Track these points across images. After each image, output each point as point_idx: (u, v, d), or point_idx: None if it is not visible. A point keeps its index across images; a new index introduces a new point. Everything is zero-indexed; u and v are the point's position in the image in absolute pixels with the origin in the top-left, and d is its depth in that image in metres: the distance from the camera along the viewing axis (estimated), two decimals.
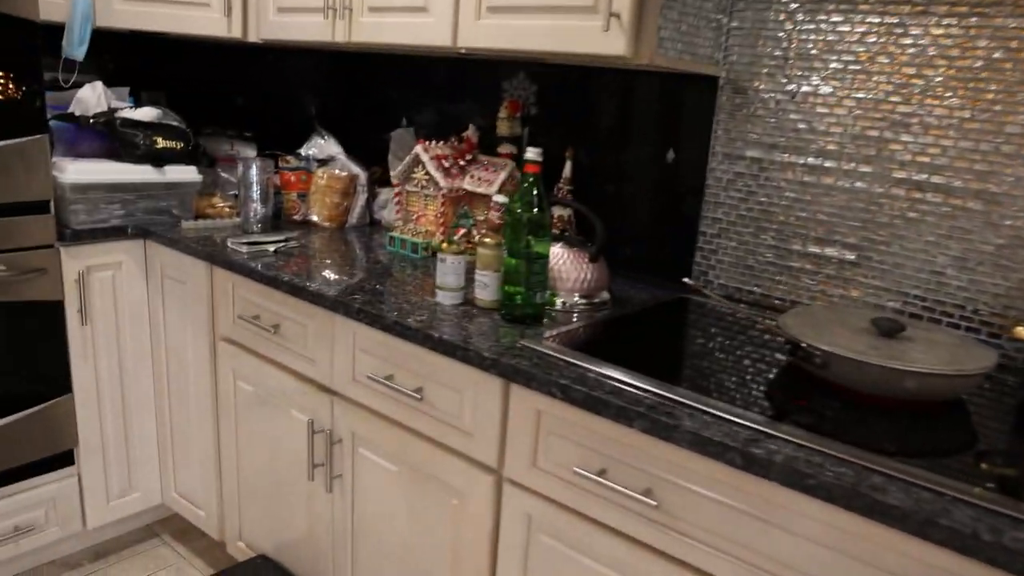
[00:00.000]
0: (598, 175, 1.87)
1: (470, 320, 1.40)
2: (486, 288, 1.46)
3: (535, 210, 1.36)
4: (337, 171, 2.11)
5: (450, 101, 2.16)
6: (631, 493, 1.10)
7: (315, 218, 2.13)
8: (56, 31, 1.90)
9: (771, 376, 1.24)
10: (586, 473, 1.15)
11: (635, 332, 1.45)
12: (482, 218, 1.87)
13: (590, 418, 1.14)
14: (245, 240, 1.79)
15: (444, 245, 1.48)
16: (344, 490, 1.59)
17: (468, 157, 1.90)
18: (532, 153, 1.36)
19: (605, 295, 1.56)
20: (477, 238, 1.78)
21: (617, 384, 1.15)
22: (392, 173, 2.09)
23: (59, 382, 1.92)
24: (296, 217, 2.14)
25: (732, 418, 1.05)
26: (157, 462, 2.15)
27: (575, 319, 1.46)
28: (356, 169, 2.13)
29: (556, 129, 1.94)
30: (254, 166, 1.95)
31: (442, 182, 1.81)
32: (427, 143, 1.87)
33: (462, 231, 1.85)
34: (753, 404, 1.11)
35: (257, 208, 1.97)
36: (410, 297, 1.51)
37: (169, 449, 2.11)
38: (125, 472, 2.10)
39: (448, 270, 1.46)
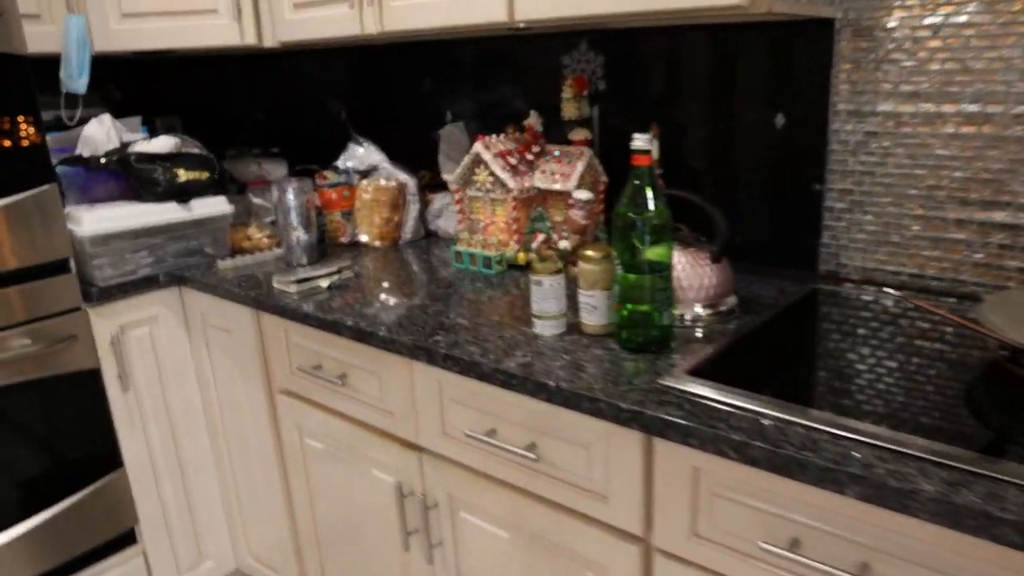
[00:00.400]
0: (691, 153, 1.59)
1: (583, 353, 1.14)
2: (595, 311, 1.20)
3: (652, 211, 1.09)
4: (383, 181, 1.85)
5: (499, 86, 1.89)
6: (839, 573, 0.84)
7: (364, 238, 1.88)
8: (51, 64, 1.66)
9: (982, 391, 0.97)
10: (774, 548, 0.89)
11: (783, 346, 1.18)
12: (560, 218, 1.61)
13: (776, 480, 0.89)
14: (292, 277, 1.55)
15: (536, 264, 1.22)
16: (447, 561, 1.36)
17: (535, 149, 1.63)
18: (640, 141, 1.10)
19: (732, 300, 1.29)
20: (562, 244, 1.52)
21: (804, 431, 0.89)
22: (446, 176, 1.83)
23: (108, 457, 1.71)
24: (343, 240, 1.89)
25: (984, 472, 0.78)
26: (226, 527, 1.94)
27: (702, 334, 1.20)
28: (404, 176, 1.88)
29: (632, 105, 1.66)
30: (290, 189, 1.71)
31: (511, 183, 1.55)
32: (487, 139, 1.60)
33: (540, 237, 1.58)
34: (979, 438, 0.84)
35: (300, 236, 1.72)
36: (500, 329, 1.26)
37: (237, 512, 1.89)
38: (193, 542, 1.89)
39: (546, 294, 1.21)
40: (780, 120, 1.46)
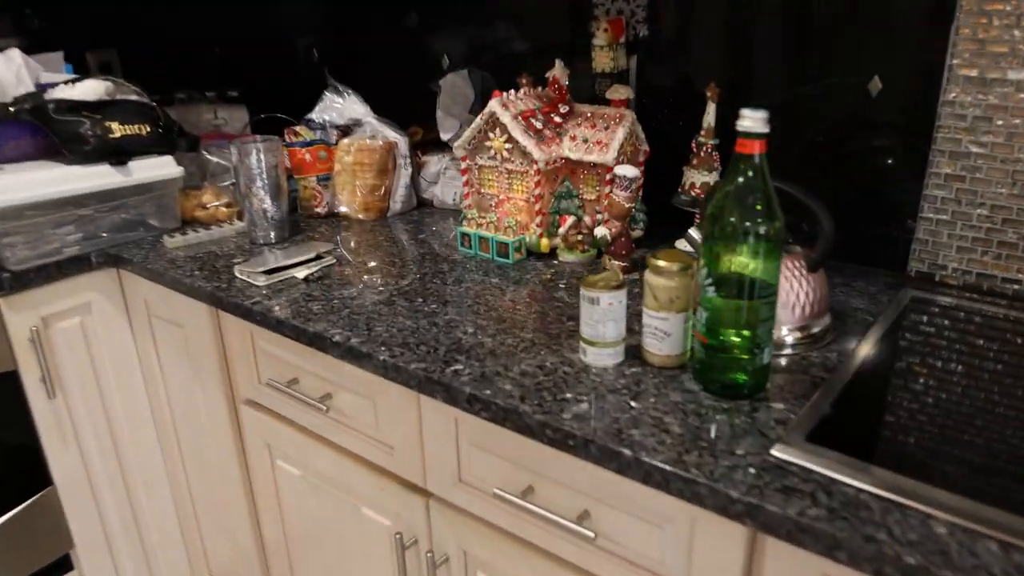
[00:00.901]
0: None
1: (656, 399, 0.87)
2: (665, 339, 0.92)
3: (767, 217, 0.81)
4: (368, 141, 1.53)
5: (508, 26, 1.56)
6: None
7: (345, 209, 1.56)
8: None
9: None
10: None
11: (911, 389, 0.92)
12: (591, 195, 1.31)
13: None
14: (260, 267, 1.24)
15: (590, 277, 0.93)
16: None
17: (563, 109, 1.32)
18: (751, 120, 0.80)
19: (826, 320, 1.02)
20: (598, 231, 1.22)
21: (1002, 550, 0.63)
22: (444, 135, 1.51)
23: (33, 476, 1.40)
24: (319, 210, 1.57)
25: None
26: (183, 544, 1.66)
27: (796, 367, 0.93)
28: (393, 134, 1.55)
29: (682, 58, 1.35)
30: (255, 150, 1.37)
31: (536, 153, 1.24)
32: (505, 95, 1.28)
33: (569, 220, 1.29)
34: None
35: (267, 208, 1.40)
36: (536, 352, 0.98)
37: (196, 528, 1.61)
38: (143, 562, 1.61)
39: (604, 316, 0.92)
40: (876, 86, 1.17)
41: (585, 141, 1.28)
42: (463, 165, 1.36)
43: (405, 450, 1.06)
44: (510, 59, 1.57)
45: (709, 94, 1.27)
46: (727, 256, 0.82)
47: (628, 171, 1.19)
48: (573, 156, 1.28)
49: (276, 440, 1.29)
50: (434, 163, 1.60)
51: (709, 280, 0.85)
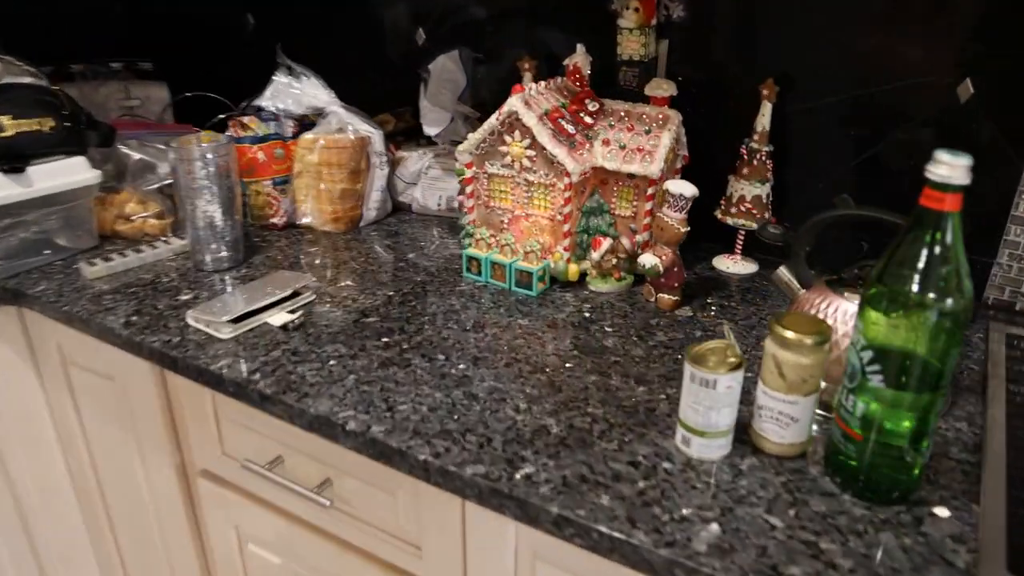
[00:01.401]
0: (813, 127, 1.11)
1: (792, 506, 0.68)
2: (791, 426, 0.73)
3: (960, 296, 0.62)
4: (335, 135, 1.25)
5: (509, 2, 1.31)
6: None
7: (309, 219, 1.28)
8: None
9: None
10: None
11: None
12: (626, 212, 1.10)
13: None
14: (223, 314, 0.96)
15: (703, 352, 0.72)
16: None
17: (591, 107, 1.09)
18: (948, 168, 0.61)
19: None
20: (647, 261, 1.01)
21: None
22: (428, 128, 1.25)
23: None
24: (276, 221, 1.28)
25: None
26: None
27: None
28: (365, 127, 1.28)
29: (723, 46, 1.15)
30: (198, 151, 1.08)
31: (570, 164, 1.01)
32: (528, 90, 1.04)
33: (604, 243, 1.07)
34: None
35: (217, 223, 1.11)
36: (621, 441, 0.77)
37: None
38: None
39: (720, 401, 0.72)
40: (967, 90, 1.00)
41: (622, 147, 1.06)
42: (468, 173, 1.11)
43: (440, 555, 0.84)
44: (508, 40, 1.32)
45: (765, 92, 1.08)
46: (902, 335, 0.63)
47: (684, 188, 0.98)
48: (609, 166, 1.06)
49: (248, 523, 1.03)
50: (413, 160, 1.34)
51: (873, 365, 0.65)
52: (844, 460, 0.70)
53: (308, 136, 1.24)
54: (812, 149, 1.12)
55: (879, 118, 1.06)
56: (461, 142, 1.18)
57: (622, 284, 1.09)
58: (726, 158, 1.16)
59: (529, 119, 1.01)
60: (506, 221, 1.11)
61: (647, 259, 1.01)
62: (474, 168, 1.10)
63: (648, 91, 1.08)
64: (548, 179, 1.04)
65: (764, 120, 1.08)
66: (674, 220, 1.00)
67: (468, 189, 1.12)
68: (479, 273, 1.11)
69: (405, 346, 0.93)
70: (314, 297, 1.05)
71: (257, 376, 0.87)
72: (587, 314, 1.02)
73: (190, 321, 0.97)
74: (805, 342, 0.70)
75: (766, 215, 1.12)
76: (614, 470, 0.72)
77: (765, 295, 1.10)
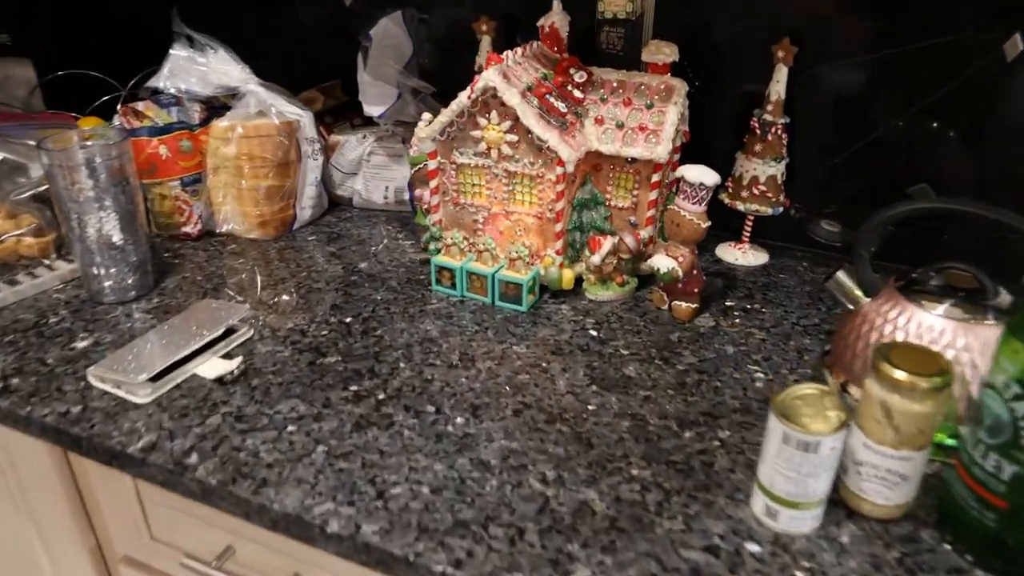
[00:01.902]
0: (831, 91, 0.96)
1: None
2: (900, 485, 0.58)
3: None
4: (256, 120, 1.01)
5: None
6: None
7: (231, 226, 1.05)
8: None
9: None
10: None
11: None
12: (624, 203, 0.92)
13: None
14: (139, 370, 0.74)
15: (792, 405, 0.57)
16: None
17: (579, 77, 0.90)
18: None
19: None
20: (661, 264, 0.84)
21: None
22: (369, 108, 1.04)
23: None
24: (189, 230, 1.04)
25: None
26: None
27: None
28: (292, 109, 1.05)
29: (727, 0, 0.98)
30: (84, 155, 0.83)
31: (564, 151, 0.82)
32: (507, 59, 0.84)
33: (606, 242, 0.89)
34: None
35: (116, 241, 0.87)
36: (686, 517, 0.60)
37: None
38: None
39: (821, 465, 0.56)
40: (1015, 46, 0.87)
41: (620, 126, 0.88)
42: (432, 164, 0.90)
43: None
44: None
45: (780, 54, 0.91)
46: None
47: (705, 176, 0.81)
48: (606, 150, 0.88)
49: None
50: (351, 146, 1.12)
51: (998, 407, 0.51)
52: (976, 527, 0.56)
53: (221, 123, 1.00)
54: (825, 118, 0.97)
55: (909, 81, 0.92)
56: (410, 123, 0.98)
57: (626, 290, 0.92)
58: (730, 133, 0.99)
59: (510, 96, 0.81)
60: (481, 221, 0.92)
61: (662, 262, 0.84)
62: (439, 158, 0.90)
63: (646, 56, 0.90)
64: (534, 169, 0.85)
65: (779, 87, 0.92)
66: (692, 214, 0.83)
67: (432, 184, 0.91)
68: (452, 286, 0.91)
69: (381, 395, 0.74)
70: (252, 333, 0.83)
71: (194, 458, 0.65)
72: (593, 332, 0.85)
73: (94, 381, 0.74)
74: (922, 385, 0.55)
75: (781, 197, 0.97)
76: (690, 562, 0.56)
77: (788, 292, 0.95)
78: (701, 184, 0.81)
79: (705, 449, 0.67)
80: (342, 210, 1.16)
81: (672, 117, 0.87)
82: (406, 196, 1.12)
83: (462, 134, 0.87)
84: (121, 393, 0.73)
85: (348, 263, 1.00)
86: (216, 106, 1.06)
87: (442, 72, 1.15)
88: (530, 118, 0.81)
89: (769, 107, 0.93)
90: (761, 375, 0.78)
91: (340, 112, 1.20)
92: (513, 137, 0.84)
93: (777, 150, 0.94)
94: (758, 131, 0.94)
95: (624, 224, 0.93)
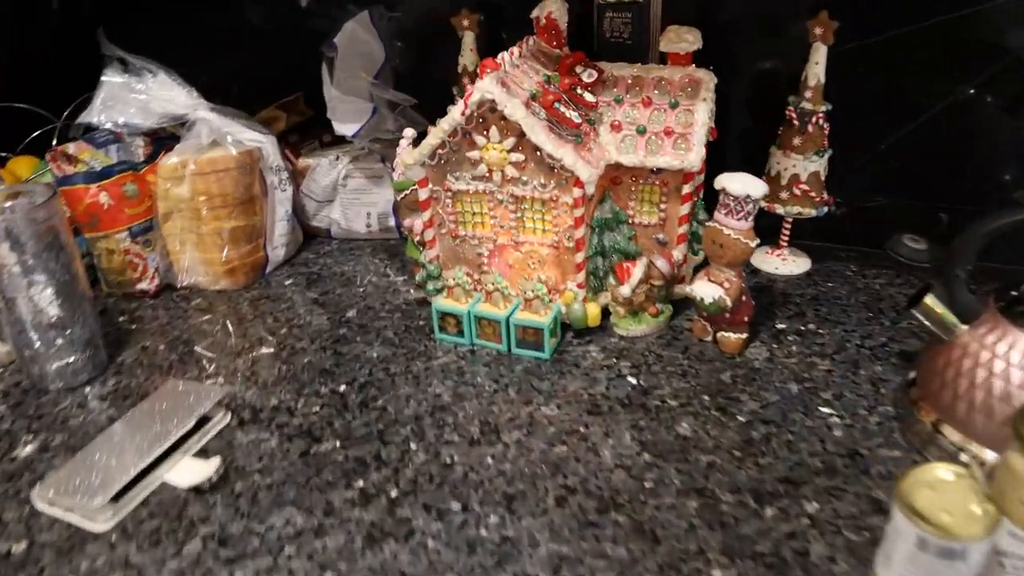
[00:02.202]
0: (870, 70, 0.83)
1: None
2: None
3: None
4: (210, 153, 0.87)
5: None
6: None
7: (194, 279, 0.91)
8: None
9: None
10: None
11: None
12: (648, 219, 0.79)
13: None
14: (92, 489, 0.60)
15: (926, 497, 0.44)
16: None
17: (587, 76, 0.76)
18: None
19: None
20: (705, 294, 0.72)
21: None
22: (340, 126, 0.90)
23: None
24: (145, 286, 0.90)
25: None
26: None
27: None
28: (251, 135, 0.90)
29: None
30: (4, 219, 0.69)
31: (583, 170, 0.69)
32: (503, 65, 0.70)
33: (637, 266, 0.76)
34: None
35: (51, 314, 0.73)
36: None
37: None
38: None
39: (969, 573, 0.44)
40: None
41: (641, 132, 0.75)
42: (422, 194, 0.77)
43: None
44: None
45: (818, 31, 0.78)
46: None
47: (752, 187, 0.68)
48: (628, 161, 0.75)
49: None
50: (324, 170, 0.97)
51: None
52: None
53: (170, 160, 0.86)
54: (863, 98, 0.85)
55: (964, 54, 0.79)
56: (391, 140, 0.84)
57: (660, 320, 0.79)
58: (759, 124, 0.87)
59: (514, 109, 0.67)
60: (486, 254, 0.79)
61: (705, 291, 0.72)
62: (430, 185, 0.76)
63: (666, 46, 0.76)
64: (546, 192, 0.72)
65: (818, 69, 0.79)
66: (738, 232, 0.70)
67: (425, 216, 0.78)
68: (459, 333, 0.78)
69: (393, 491, 0.61)
70: (230, 419, 0.70)
71: None
72: (632, 378, 0.72)
73: (41, 506, 0.61)
74: None
75: (824, 195, 0.85)
76: None
77: (842, 305, 0.83)
78: (747, 197, 0.69)
79: (794, 532, 0.55)
80: (320, 243, 1.02)
81: (702, 116, 0.74)
82: (391, 222, 0.98)
83: (456, 156, 0.74)
84: (75, 519, 0.59)
85: (334, 311, 0.86)
86: (162, 139, 0.91)
87: (418, 77, 1.01)
88: (539, 133, 0.68)
89: (807, 93, 0.80)
90: (836, 419, 0.66)
91: (306, 129, 1.05)
92: (518, 156, 0.71)
93: (819, 142, 0.82)
94: (796, 122, 0.81)
95: (651, 244, 0.81)
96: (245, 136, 0.89)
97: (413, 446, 0.65)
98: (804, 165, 0.82)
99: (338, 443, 0.66)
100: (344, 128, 0.90)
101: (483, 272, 0.79)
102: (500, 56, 0.71)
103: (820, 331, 0.78)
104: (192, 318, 0.86)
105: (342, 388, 0.73)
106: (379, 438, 0.66)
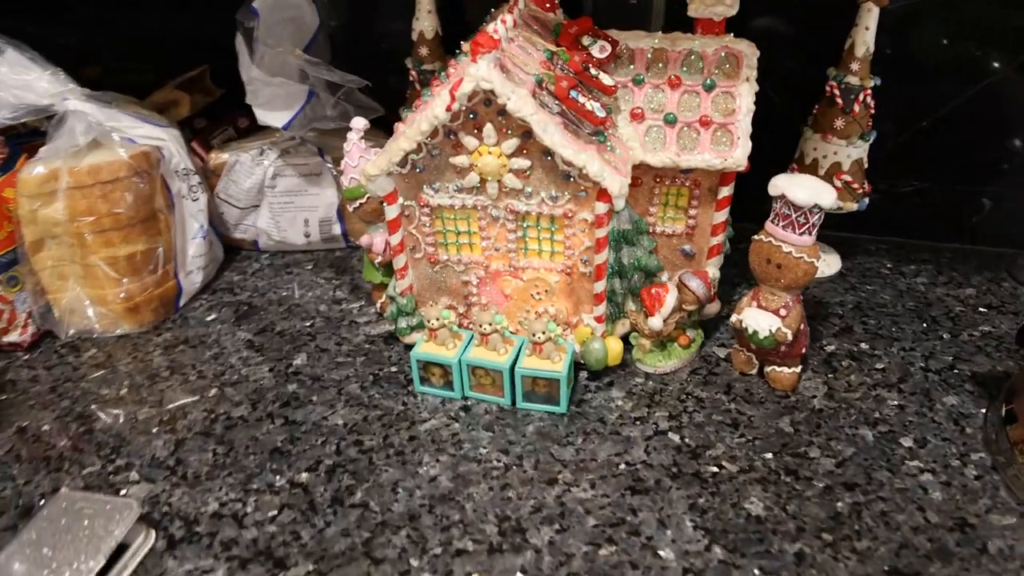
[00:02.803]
0: (912, 34, 0.70)
1: None
2: None
3: None
4: (90, 155, 0.65)
5: None
6: None
7: (83, 323, 0.69)
8: None
9: None
10: None
11: None
12: (675, 227, 0.64)
13: None
14: None
15: None
16: None
17: (599, 51, 0.59)
18: None
19: None
20: (757, 324, 0.58)
21: None
22: (274, 118, 0.71)
23: None
24: (15, 339, 0.68)
25: None
26: None
27: None
28: (144, 130, 0.69)
29: None
30: None
31: (612, 180, 0.52)
32: (503, 41, 0.52)
33: (667, 297, 0.61)
34: None
35: None
36: None
37: None
38: None
39: None
40: None
41: (671, 121, 0.59)
42: (390, 212, 0.59)
43: None
44: None
45: None
46: None
47: (820, 194, 0.54)
48: (656, 160, 0.59)
49: None
50: (245, 168, 0.77)
51: None
52: None
53: (36, 171, 0.64)
54: (899, 71, 0.72)
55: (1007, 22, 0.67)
56: (331, 129, 0.66)
57: (692, 351, 0.65)
58: (785, 101, 0.72)
59: (520, 103, 0.50)
60: (475, 282, 0.62)
61: (760, 322, 0.58)
62: (401, 200, 0.58)
63: (695, 11, 0.60)
64: (558, 206, 0.56)
65: (867, 37, 0.65)
66: (802, 249, 0.56)
67: (394, 239, 0.60)
68: (447, 385, 0.61)
69: None
70: (154, 540, 0.51)
71: None
72: (674, 435, 0.58)
73: None
74: None
75: (865, 186, 0.71)
76: None
77: (891, 314, 0.71)
78: (815, 207, 0.54)
79: None
80: (246, 259, 0.82)
81: (746, 101, 0.58)
82: (336, 229, 0.80)
83: (436, 163, 0.56)
84: None
85: (277, 358, 0.68)
86: (20, 137, 0.68)
87: (360, 47, 0.81)
88: (553, 134, 0.51)
89: (854, 65, 0.66)
90: (929, 476, 0.54)
91: (215, 113, 0.84)
92: (522, 163, 0.54)
93: (864, 124, 0.68)
94: (840, 100, 0.67)
95: (675, 256, 0.66)
96: (138, 132, 0.68)
97: (414, 562, 0.49)
98: (847, 152, 0.68)
99: (311, 566, 0.49)
100: (271, 118, 0.70)
101: (470, 302, 0.62)
102: (492, 27, 0.53)
103: (875, 351, 0.66)
104: (86, 378, 0.66)
105: (303, 476, 0.55)
106: (366, 554, 0.50)
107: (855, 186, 0.70)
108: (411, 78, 0.77)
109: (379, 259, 0.67)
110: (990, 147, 0.74)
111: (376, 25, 0.80)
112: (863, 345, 0.67)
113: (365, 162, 0.64)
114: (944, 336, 0.68)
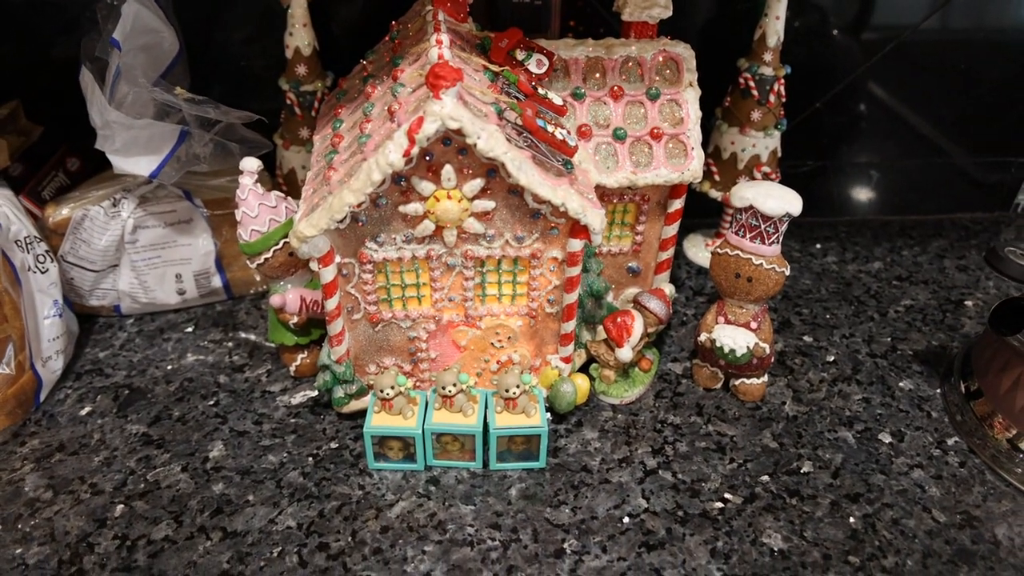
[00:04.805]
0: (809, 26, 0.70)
1: None
2: None
3: None
4: None
5: None
6: None
7: None
8: None
9: None
10: None
11: None
12: (621, 245, 0.60)
13: None
14: None
15: None
16: None
17: (536, 64, 0.53)
18: None
19: None
20: (734, 342, 0.56)
21: None
22: (136, 166, 0.58)
23: None
24: None
25: None
26: None
27: None
28: None
29: None
30: None
31: (593, 216, 0.47)
32: (451, 59, 0.44)
33: (634, 325, 0.57)
34: None
35: None
36: None
37: None
38: None
39: None
40: None
41: (620, 137, 0.54)
42: (326, 275, 0.49)
43: None
44: None
45: None
46: None
47: (789, 202, 0.53)
48: (613, 182, 0.54)
49: None
50: (97, 223, 0.63)
51: None
52: None
53: None
54: (816, 56, 0.72)
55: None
56: (203, 171, 0.56)
57: (653, 373, 0.62)
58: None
59: (491, 141, 0.43)
60: (424, 337, 0.54)
61: (737, 339, 0.56)
62: (338, 259, 0.49)
63: (629, 15, 0.55)
64: (524, 246, 0.49)
65: (776, 26, 0.64)
66: (771, 260, 0.54)
67: (330, 303, 0.51)
68: (408, 457, 0.54)
69: None
70: None
71: None
72: (664, 472, 0.55)
73: None
74: None
75: (779, 175, 0.71)
76: None
77: (819, 300, 0.72)
78: (786, 216, 0.52)
79: None
80: (106, 329, 0.68)
81: (693, 109, 0.55)
82: (216, 282, 0.68)
83: (381, 213, 0.47)
84: None
85: (186, 452, 0.56)
86: None
87: (222, 67, 0.69)
88: (529, 171, 0.45)
89: (767, 56, 0.65)
90: (920, 473, 0.55)
91: (34, 157, 0.68)
92: (487, 204, 0.47)
93: (778, 113, 0.67)
94: (755, 92, 0.65)
95: (620, 275, 0.62)
96: None
97: None
98: (765, 143, 0.68)
99: None
100: (131, 165, 0.57)
101: (418, 360, 0.55)
102: (439, 52, 0.45)
103: (820, 343, 0.67)
104: None
105: None
106: None
107: (773, 176, 0.69)
108: (288, 101, 0.66)
109: (294, 320, 0.57)
110: (887, 120, 0.77)
111: (240, 42, 0.68)
112: (807, 339, 0.67)
113: (266, 209, 0.54)
114: (874, 316, 0.70)
